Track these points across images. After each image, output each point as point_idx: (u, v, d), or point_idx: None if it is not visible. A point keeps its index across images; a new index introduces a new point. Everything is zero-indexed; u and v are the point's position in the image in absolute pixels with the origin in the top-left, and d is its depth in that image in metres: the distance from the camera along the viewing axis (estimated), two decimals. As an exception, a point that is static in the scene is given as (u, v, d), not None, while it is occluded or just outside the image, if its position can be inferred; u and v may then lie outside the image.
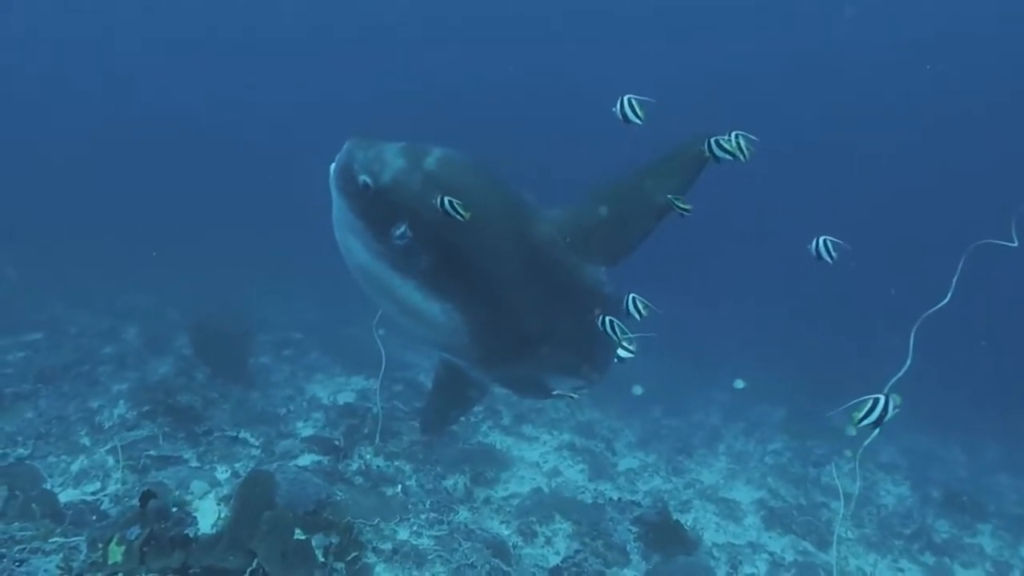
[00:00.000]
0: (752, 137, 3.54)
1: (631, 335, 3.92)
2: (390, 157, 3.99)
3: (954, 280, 4.87)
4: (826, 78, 30.68)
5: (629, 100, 3.51)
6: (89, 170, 29.76)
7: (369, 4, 33.08)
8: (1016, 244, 4.65)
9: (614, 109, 3.55)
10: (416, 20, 33.83)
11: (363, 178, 3.96)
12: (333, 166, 4.20)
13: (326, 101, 35.70)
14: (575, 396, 4.42)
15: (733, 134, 3.53)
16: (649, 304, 3.67)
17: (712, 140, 3.54)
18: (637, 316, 3.72)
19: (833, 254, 3.75)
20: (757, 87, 31.12)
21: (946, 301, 4.97)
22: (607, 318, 3.96)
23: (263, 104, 36.80)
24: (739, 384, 8.10)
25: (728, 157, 3.52)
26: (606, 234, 4.07)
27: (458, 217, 3.83)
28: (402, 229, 3.95)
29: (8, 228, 16.94)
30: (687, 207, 3.65)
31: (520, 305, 4.18)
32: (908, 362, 5.18)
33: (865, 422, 3.44)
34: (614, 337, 3.91)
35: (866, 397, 3.53)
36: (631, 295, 3.73)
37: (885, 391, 5.49)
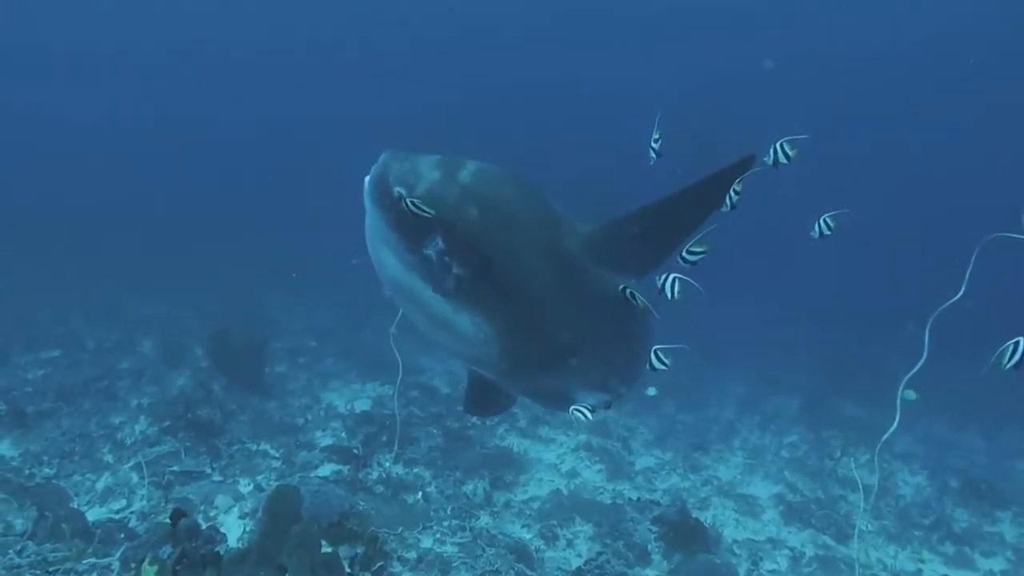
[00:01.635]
0: (799, 136, 3.56)
1: (665, 347, 3.95)
2: (425, 169, 4.03)
3: (967, 273, 4.89)
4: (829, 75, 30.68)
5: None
6: (103, 175, 29.92)
7: (386, 13, 33.05)
8: (1028, 237, 4.66)
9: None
10: (432, 29, 33.85)
11: (398, 190, 4.01)
12: (368, 178, 4.24)
13: (342, 109, 35.84)
14: (590, 415, 4.43)
15: (779, 143, 3.56)
16: (693, 283, 3.66)
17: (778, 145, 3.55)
18: (670, 296, 3.71)
19: (832, 225, 3.81)
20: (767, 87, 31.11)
21: (960, 295, 4.99)
22: (629, 290, 3.98)
23: (280, 111, 36.90)
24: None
25: (785, 162, 3.55)
26: (637, 249, 4.09)
27: (424, 216, 3.93)
28: (436, 241, 3.99)
29: (20, 236, 17.11)
30: (701, 251, 3.65)
31: (550, 318, 4.20)
32: (924, 356, 5.21)
33: (1010, 364, 3.50)
34: (641, 302, 3.94)
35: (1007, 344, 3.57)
36: (671, 275, 3.72)
37: (902, 387, 5.55)
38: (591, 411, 4.42)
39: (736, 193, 3.51)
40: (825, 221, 3.75)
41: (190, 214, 24.75)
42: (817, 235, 3.76)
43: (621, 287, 3.93)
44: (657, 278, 3.75)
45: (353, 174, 4.41)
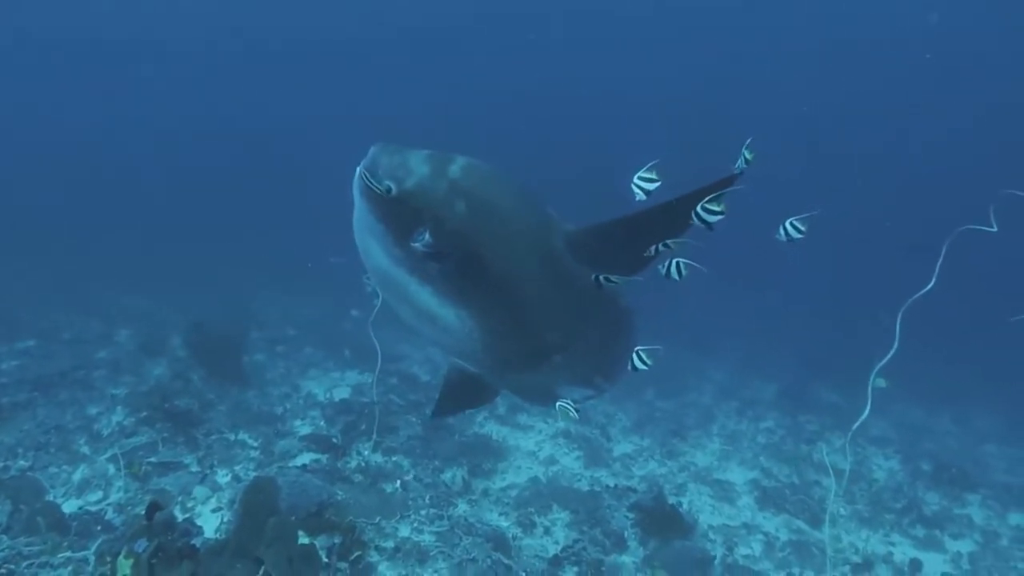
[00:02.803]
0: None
1: (646, 347, 4.01)
2: (415, 164, 4.07)
3: (938, 265, 5.00)
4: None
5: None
6: (86, 168, 29.55)
7: (370, 10, 32.81)
8: (996, 229, 4.78)
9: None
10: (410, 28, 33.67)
11: (387, 183, 4.04)
12: (358, 169, 4.26)
13: (328, 105, 35.59)
14: (576, 411, 4.48)
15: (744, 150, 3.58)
16: (692, 264, 3.70)
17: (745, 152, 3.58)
18: (677, 278, 3.75)
19: (802, 229, 3.78)
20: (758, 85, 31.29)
21: (931, 286, 5.10)
22: (603, 276, 4.01)
23: (267, 106, 36.60)
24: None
25: (744, 166, 3.57)
26: (620, 256, 4.14)
27: (379, 191, 3.98)
28: (423, 235, 4.03)
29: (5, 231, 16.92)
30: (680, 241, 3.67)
31: (536, 316, 4.26)
32: (895, 345, 5.31)
33: None
34: (613, 283, 3.98)
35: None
36: (675, 260, 3.77)
37: (874, 374, 5.64)
38: (576, 407, 4.50)
39: (714, 214, 3.53)
40: (793, 224, 3.75)
41: (183, 211, 24.49)
42: (784, 239, 3.75)
43: (594, 276, 3.96)
44: (660, 266, 3.79)
45: (348, 172, 4.44)
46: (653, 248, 3.74)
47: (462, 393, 5.32)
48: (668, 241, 3.71)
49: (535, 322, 4.35)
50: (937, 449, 12.10)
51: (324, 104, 36.24)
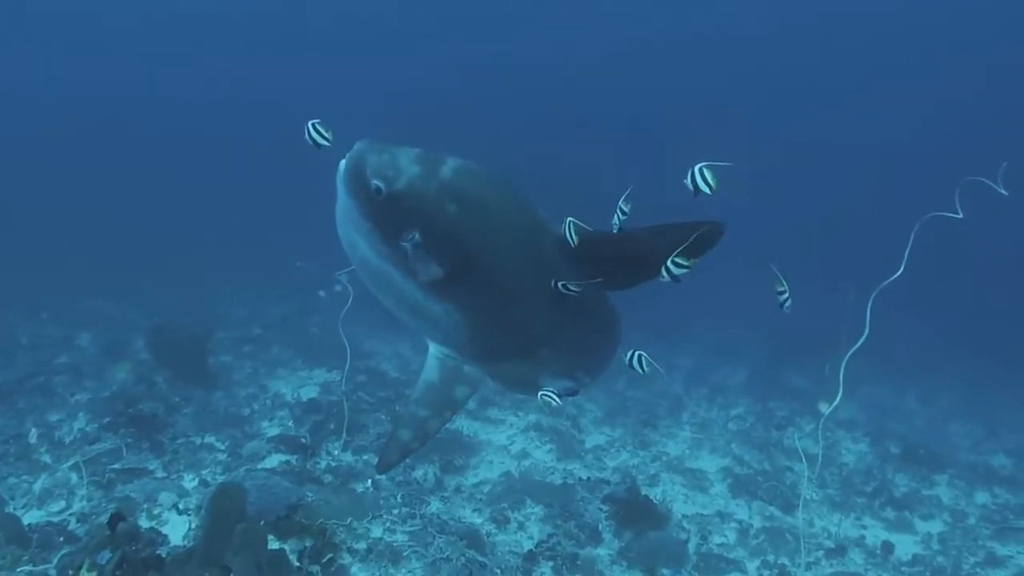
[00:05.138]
0: (720, 164, 3.46)
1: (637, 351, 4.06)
2: (405, 164, 4.00)
3: (906, 252, 5.04)
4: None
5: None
6: (50, 164, 28.76)
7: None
8: (961, 215, 4.82)
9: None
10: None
11: (375, 182, 3.97)
12: (342, 164, 4.18)
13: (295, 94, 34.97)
14: (558, 402, 4.50)
15: (698, 167, 3.42)
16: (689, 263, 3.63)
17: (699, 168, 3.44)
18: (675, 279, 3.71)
19: (712, 184, 3.48)
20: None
21: (900, 273, 5.14)
22: (562, 284, 4.03)
23: (235, 99, 35.88)
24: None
25: (706, 191, 3.42)
26: (607, 270, 4.18)
27: (323, 142, 4.00)
28: (413, 236, 3.98)
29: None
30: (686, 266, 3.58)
31: (523, 312, 4.28)
32: (866, 332, 5.35)
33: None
34: (573, 290, 3.99)
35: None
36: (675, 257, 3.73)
37: (843, 362, 5.66)
38: (559, 397, 4.51)
39: (681, 268, 3.47)
40: (701, 172, 3.48)
41: (146, 210, 23.90)
42: (691, 188, 3.50)
43: (553, 282, 4.00)
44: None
45: (320, 164, 4.36)
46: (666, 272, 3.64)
47: (440, 391, 5.24)
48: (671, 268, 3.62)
49: (521, 318, 4.37)
50: (905, 429, 12.24)
51: (293, 91, 35.54)
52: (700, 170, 3.41)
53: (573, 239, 3.93)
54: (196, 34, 35.12)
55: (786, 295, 4.02)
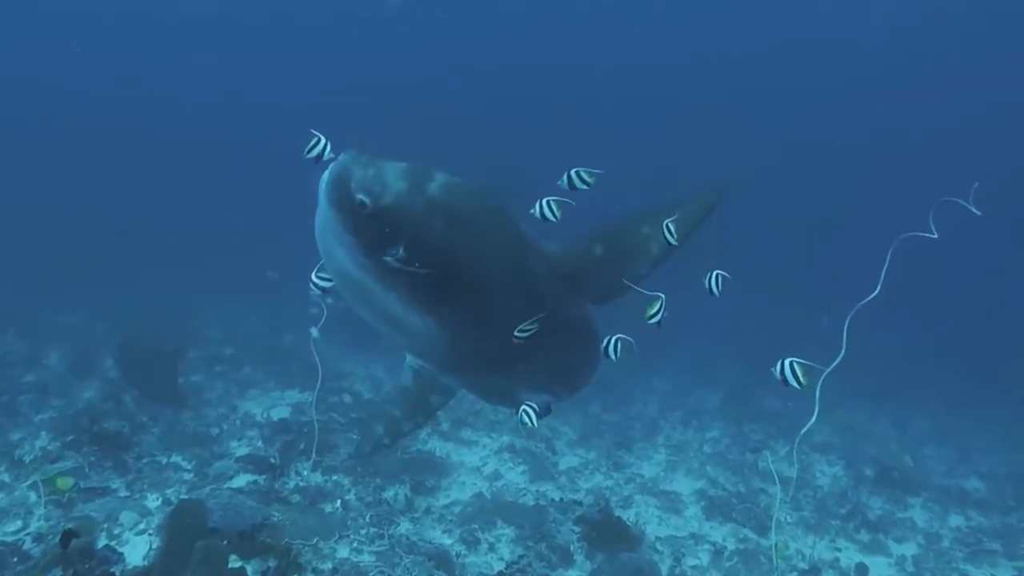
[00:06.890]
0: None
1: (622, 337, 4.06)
2: (391, 179, 3.94)
3: (883, 273, 5.06)
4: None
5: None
6: (21, 169, 28.28)
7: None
8: (936, 236, 4.87)
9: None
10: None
11: (360, 197, 3.90)
12: (326, 176, 4.11)
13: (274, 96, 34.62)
14: (534, 423, 4.46)
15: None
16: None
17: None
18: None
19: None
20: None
21: (876, 293, 5.17)
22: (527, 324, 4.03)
23: (221, 100, 35.48)
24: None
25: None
26: (599, 274, 4.20)
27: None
28: (397, 251, 3.91)
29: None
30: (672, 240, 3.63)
31: (502, 327, 4.24)
32: (842, 352, 5.35)
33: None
34: (524, 333, 4.01)
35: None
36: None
37: (819, 382, 5.64)
38: (537, 413, 4.45)
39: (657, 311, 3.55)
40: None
41: (120, 219, 23.53)
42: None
43: (526, 324, 4.03)
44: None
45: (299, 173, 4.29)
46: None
47: (416, 398, 5.21)
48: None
49: (501, 333, 4.33)
50: (879, 453, 12.22)
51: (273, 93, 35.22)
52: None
53: (556, 216, 3.91)
54: (196, 34, 34.79)
55: (658, 316, 4.09)
